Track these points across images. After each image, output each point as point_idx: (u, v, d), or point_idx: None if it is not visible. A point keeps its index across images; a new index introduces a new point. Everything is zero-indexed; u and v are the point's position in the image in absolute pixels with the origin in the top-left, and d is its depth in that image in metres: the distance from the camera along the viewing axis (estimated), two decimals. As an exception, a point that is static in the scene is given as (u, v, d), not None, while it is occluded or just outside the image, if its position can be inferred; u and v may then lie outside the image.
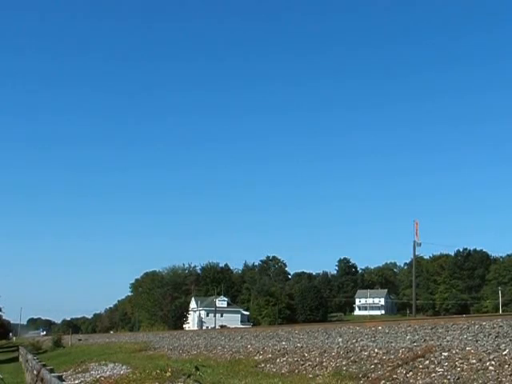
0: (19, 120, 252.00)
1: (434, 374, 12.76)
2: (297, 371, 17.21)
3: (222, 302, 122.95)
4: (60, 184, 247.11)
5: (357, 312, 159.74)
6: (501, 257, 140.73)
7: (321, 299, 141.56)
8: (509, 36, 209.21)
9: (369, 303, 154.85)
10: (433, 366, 13.24)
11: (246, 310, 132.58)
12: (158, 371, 19.82)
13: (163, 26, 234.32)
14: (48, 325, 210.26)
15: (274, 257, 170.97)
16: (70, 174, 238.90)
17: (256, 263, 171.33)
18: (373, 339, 17.97)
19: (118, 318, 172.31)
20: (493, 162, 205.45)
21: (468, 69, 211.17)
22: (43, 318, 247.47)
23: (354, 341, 18.63)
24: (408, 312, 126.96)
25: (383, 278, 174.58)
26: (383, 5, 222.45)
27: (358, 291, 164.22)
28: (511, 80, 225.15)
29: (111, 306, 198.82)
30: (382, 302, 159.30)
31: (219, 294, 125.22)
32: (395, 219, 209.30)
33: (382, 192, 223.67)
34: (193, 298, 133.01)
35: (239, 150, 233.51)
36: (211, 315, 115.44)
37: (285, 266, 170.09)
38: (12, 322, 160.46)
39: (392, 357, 15.14)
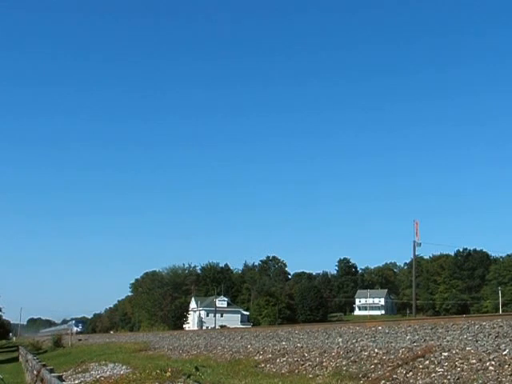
0: (19, 120, 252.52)
1: (433, 374, 12.76)
2: (297, 371, 17.21)
3: (222, 302, 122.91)
4: (60, 184, 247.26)
5: (357, 312, 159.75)
6: (501, 257, 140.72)
7: (321, 299, 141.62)
8: (508, 36, 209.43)
9: (369, 303, 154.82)
10: (433, 366, 13.24)
11: (246, 310, 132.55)
12: (158, 371, 19.79)
13: (162, 25, 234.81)
14: (48, 324, 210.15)
15: (273, 257, 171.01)
16: (70, 174, 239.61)
17: (256, 263, 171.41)
18: (373, 339, 17.97)
19: (118, 318, 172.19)
20: (493, 162, 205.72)
21: (468, 69, 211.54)
22: (43, 317, 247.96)
23: (354, 341, 18.63)
24: (408, 312, 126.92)
25: (383, 278, 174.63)
26: (383, 5, 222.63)
27: (358, 291, 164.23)
28: (511, 80, 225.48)
29: (111, 306, 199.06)
30: (382, 302, 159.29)
31: (219, 294, 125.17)
32: (395, 219, 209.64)
33: (382, 192, 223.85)
34: (193, 298, 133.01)
35: (239, 149, 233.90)
36: (211, 315, 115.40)
37: (285, 266, 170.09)
38: (12, 322, 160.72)
39: (392, 357, 15.13)
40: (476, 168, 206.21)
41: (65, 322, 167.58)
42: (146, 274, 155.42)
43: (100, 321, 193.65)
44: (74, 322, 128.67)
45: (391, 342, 16.73)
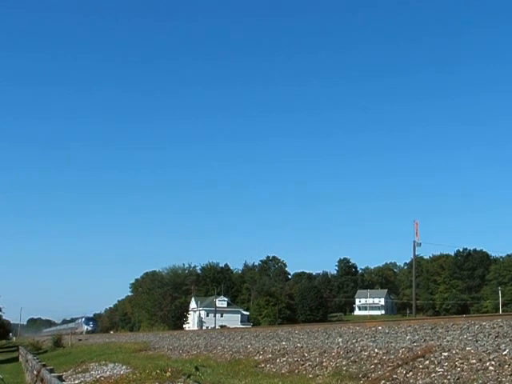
0: (19, 120, 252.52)
1: (433, 374, 12.76)
2: (297, 371, 17.20)
3: (222, 302, 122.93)
4: (60, 184, 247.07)
5: (357, 312, 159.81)
6: (501, 257, 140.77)
7: (321, 299, 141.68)
8: (509, 36, 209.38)
9: (369, 303, 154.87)
10: (433, 366, 13.24)
11: (246, 310, 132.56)
12: (158, 371, 19.80)
13: (162, 25, 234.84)
14: (49, 324, 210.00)
15: (273, 257, 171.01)
16: (70, 174, 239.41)
17: (256, 263, 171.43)
18: (373, 339, 17.96)
19: (118, 318, 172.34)
20: (493, 162, 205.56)
21: (468, 69, 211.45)
22: (43, 317, 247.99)
23: (354, 341, 18.62)
24: (408, 312, 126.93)
25: (383, 278, 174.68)
26: (383, 5, 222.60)
27: (358, 291, 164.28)
28: (511, 80, 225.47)
29: (111, 306, 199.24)
30: (382, 302, 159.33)
31: (219, 294, 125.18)
32: (395, 219, 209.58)
33: (382, 192, 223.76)
34: (193, 298, 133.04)
35: (239, 149, 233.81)
36: (211, 315, 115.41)
37: (285, 266, 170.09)
38: (12, 322, 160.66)
39: (392, 357, 15.13)
40: (476, 168, 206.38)
41: (65, 321, 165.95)
42: (146, 273, 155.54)
43: (100, 321, 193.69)
44: (83, 319, 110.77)
45: (391, 342, 16.72)
